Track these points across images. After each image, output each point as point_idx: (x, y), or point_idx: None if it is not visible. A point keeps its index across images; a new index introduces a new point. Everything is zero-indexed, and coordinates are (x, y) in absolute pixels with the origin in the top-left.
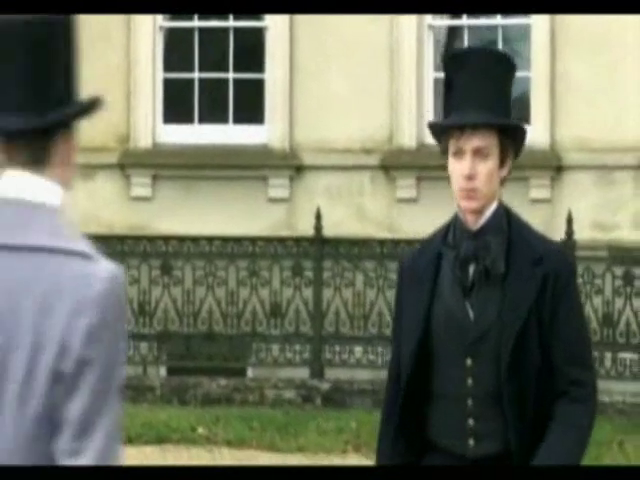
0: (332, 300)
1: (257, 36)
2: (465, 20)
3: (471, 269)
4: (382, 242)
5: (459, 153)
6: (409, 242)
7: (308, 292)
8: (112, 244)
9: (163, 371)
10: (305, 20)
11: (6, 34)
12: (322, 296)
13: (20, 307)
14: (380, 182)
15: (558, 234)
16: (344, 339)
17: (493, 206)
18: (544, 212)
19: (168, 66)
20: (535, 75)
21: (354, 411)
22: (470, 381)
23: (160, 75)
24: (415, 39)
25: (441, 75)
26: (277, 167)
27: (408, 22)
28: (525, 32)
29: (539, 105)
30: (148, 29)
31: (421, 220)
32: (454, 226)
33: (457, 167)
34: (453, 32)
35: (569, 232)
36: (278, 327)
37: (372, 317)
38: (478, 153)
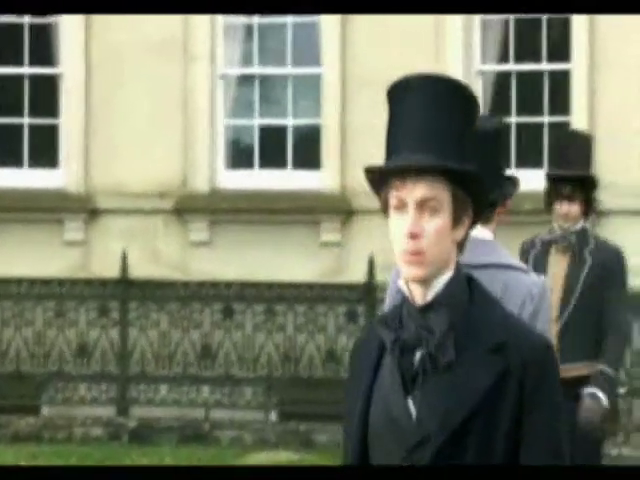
0: (138, 340)
1: (52, 82)
2: (257, 69)
3: (417, 355)
4: (186, 284)
5: (401, 206)
6: (214, 284)
7: (114, 332)
8: None
9: None
10: (100, 66)
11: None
12: (128, 336)
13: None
14: (174, 225)
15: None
16: (150, 378)
17: (446, 276)
18: (335, 254)
19: None
20: (325, 123)
21: (161, 447)
22: None
23: None
24: (208, 86)
25: (231, 122)
26: (73, 210)
27: (201, 70)
28: (315, 82)
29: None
30: None
31: (214, 263)
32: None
33: (398, 224)
34: (245, 81)
35: (371, 275)
36: (85, 366)
37: (177, 357)
38: (424, 206)
